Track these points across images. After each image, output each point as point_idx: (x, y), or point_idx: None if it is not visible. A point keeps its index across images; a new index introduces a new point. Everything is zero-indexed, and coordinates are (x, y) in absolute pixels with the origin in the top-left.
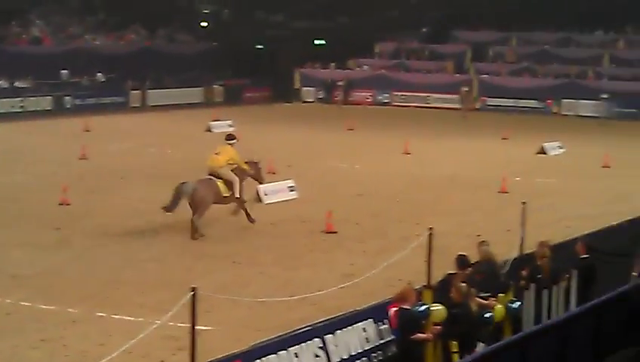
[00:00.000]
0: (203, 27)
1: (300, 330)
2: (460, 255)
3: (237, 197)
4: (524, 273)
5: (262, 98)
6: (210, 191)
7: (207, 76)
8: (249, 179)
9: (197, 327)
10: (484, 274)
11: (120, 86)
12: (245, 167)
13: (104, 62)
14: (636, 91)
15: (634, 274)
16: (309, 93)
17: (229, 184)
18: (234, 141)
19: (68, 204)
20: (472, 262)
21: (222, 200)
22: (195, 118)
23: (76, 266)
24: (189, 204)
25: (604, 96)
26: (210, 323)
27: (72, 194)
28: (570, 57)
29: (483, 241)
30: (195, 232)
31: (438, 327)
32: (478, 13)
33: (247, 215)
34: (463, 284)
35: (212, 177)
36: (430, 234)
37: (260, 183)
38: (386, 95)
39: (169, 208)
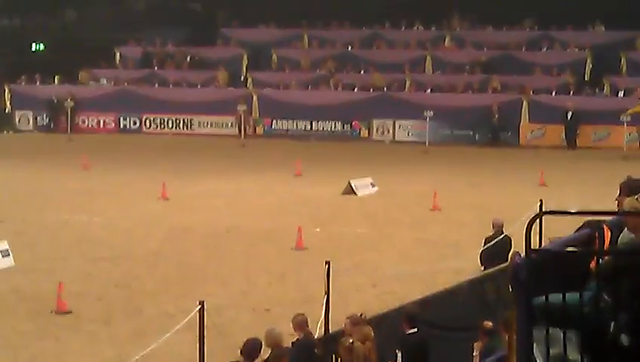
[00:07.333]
0: None
1: None
2: (249, 339)
3: None
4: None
5: None
6: None
7: None
8: None
9: None
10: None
11: None
12: None
13: None
14: (468, 106)
15: (475, 354)
16: (25, 118)
17: None
18: None
19: None
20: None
21: None
22: None
23: None
24: None
25: (428, 113)
26: None
27: None
28: (380, 62)
29: (298, 314)
30: None
31: None
32: (256, 7)
33: None
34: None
35: None
36: (201, 309)
37: None
38: (135, 119)
39: None
